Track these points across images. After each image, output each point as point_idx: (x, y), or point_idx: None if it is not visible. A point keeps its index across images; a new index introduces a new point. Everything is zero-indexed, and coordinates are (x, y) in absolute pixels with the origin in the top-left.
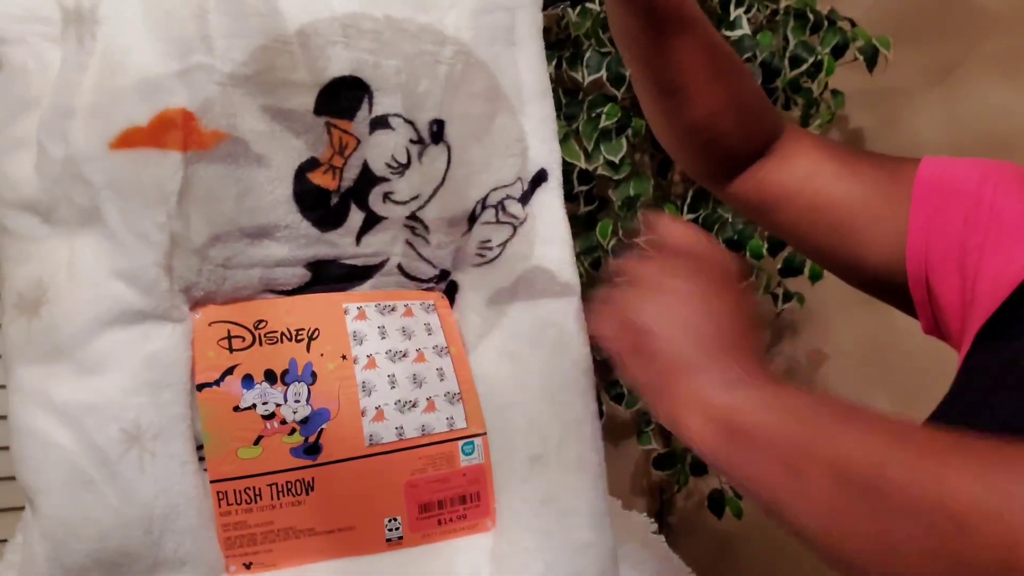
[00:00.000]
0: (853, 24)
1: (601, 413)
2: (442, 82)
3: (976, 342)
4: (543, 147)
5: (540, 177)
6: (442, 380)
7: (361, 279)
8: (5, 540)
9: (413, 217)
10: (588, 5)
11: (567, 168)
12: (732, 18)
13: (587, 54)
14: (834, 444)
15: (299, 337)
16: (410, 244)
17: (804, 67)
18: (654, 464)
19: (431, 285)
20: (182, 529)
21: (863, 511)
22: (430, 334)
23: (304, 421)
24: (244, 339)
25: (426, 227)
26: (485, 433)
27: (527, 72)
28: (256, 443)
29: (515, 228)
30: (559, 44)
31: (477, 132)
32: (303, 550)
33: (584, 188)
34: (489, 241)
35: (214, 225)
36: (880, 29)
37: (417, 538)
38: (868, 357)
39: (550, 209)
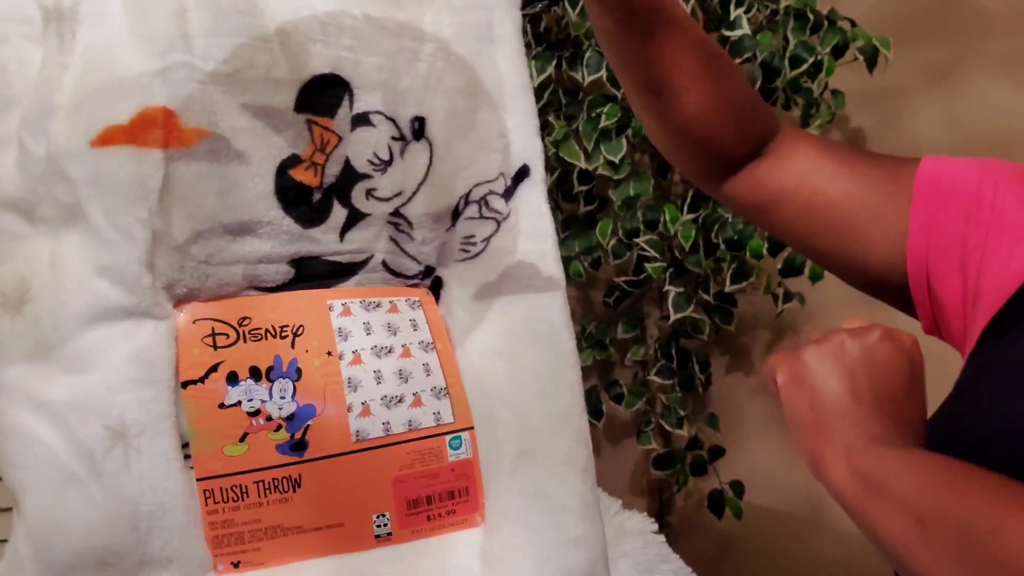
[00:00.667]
0: (853, 24)
1: (601, 413)
2: (422, 79)
3: (981, 340)
4: (525, 143)
5: (523, 173)
6: (428, 375)
7: (345, 276)
8: (5, 540)
9: (396, 214)
10: None
11: (567, 168)
12: (732, 18)
13: (587, 54)
14: (960, 505)
15: (284, 334)
16: (394, 241)
17: (804, 67)
18: (654, 464)
19: (416, 281)
20: (169, 527)
21: (979, 569)
22: (416, 330)
23: (290, 418)
24: (228, 336)
25: (410, 223)
26: (472, 428)
27: (507, 69)
28: (242, 440)
29: (499, 223)
30: (559, 44)
31: (459, 128)
32: (292, 548)
33: (584, 188)
34: (473, 236)
35: (196, 222)
36: (880, 29)
37: (406, 534)
38: None
39: (533, 204)
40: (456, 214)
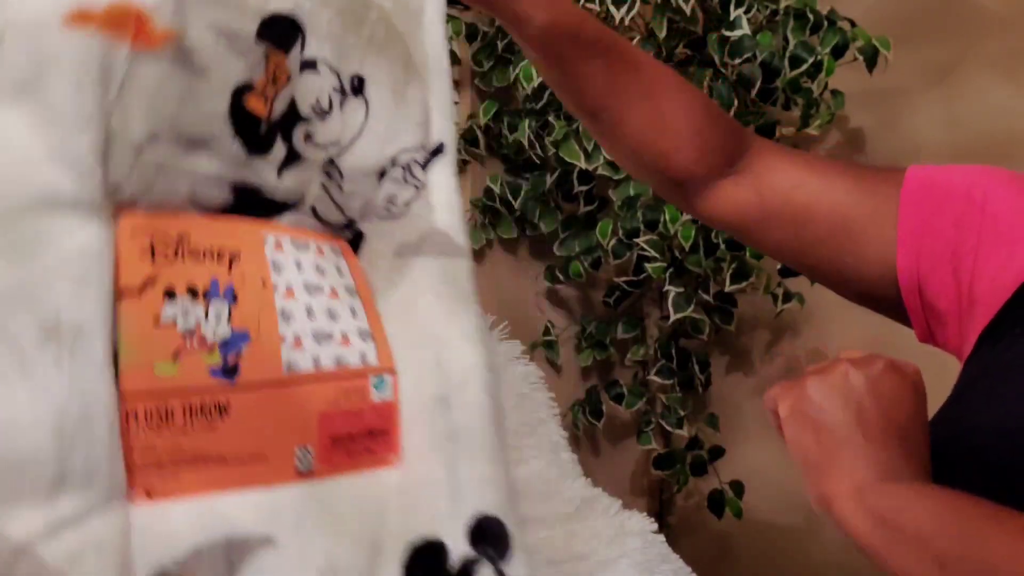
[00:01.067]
0: (853, 24)
1: (601, 413)
2: (365, 40)
3: (978, 344)
4: (443, 123)
5: (438, 150)
6: (354, 317)
7: (278, 212)
8: None
9: (331, 163)
10: (588, 5)
11: (567, 168)
12: (732, 18)
13: None
14: (984, 547)
15: (221, 258)
16: (325, 188)
17: (804, 67)
18: (654, 464)
19: (338, 233)
20: (93, 439)
21: None
22: (341, 275)
23: (224, 342)
24: (167, 252)
25: (341, 174)
26: (395, 372)
27: (432, 53)
28: (174, 359)
29: (418, 189)
30: None
31: (392, 95)
32: (211, 478)
33: (584, 188)
34: (395, 197)
35: (153, 123)
36: (880, 29)
37: (326, 469)
38: None
39: (445, 180)
40: (382, 174)
